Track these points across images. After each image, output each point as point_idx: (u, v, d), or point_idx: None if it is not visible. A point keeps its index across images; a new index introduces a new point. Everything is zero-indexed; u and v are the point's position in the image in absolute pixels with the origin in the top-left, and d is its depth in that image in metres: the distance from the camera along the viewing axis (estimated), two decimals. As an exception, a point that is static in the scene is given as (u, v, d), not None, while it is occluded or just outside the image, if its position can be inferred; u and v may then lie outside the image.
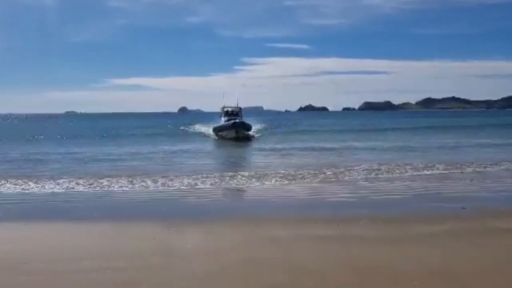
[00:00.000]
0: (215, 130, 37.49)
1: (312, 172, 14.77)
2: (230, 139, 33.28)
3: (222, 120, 37.56)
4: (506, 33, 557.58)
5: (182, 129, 51.77)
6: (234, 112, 38.56)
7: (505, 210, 9.24)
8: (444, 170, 15.22)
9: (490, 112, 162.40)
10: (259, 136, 36.96)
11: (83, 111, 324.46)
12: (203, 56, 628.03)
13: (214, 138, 35.82)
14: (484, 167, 15.64)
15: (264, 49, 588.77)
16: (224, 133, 34.67)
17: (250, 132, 35.79)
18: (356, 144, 28.13)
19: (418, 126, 54.15)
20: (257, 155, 22.90)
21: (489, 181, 12.89)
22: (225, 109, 39.23)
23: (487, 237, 7.03)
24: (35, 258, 6.11)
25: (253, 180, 13.35)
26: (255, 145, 29.71)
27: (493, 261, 5.87)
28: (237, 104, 40.12)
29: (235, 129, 33.32)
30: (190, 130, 48.59)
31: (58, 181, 13.12)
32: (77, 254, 6.29)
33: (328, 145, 27.10)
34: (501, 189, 11.85)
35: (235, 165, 18.21)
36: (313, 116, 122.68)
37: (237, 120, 34.71)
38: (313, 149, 25.01)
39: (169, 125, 62.77)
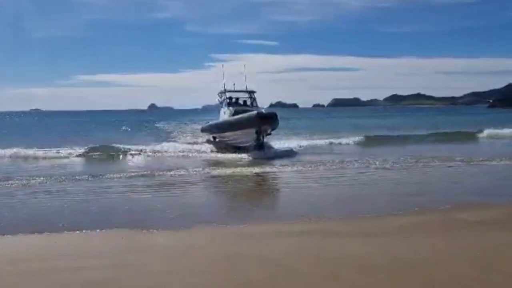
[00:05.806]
0: (212, 130, 21.82)
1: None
2: (237, 147, 18.15)
3: (224, 114, 21.20)
4: (468, 31, 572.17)
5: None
6: (242, 101, 22.12)
7: (473, 203, 8.96)
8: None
9: (471, 108, 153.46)
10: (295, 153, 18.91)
11: (48, 109, 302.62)
12: (172, 53, 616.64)
13: (200, 153, 19.00)
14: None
15: (233, 45, 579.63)
16: (231, 137, 18.89)
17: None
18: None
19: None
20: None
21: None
22: (228, 95, 22.14)
23: (455, 228, 7.01)
24: (2, 260, 5.81)
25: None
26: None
27: (460, 250, 5.86)
28: (246, 88, 22.33)
29: (260, 126, 16.74)
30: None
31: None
32: (46, 254, 6.05)
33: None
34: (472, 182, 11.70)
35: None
36: (298, 113, 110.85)
37: (263, 110, 18.29)
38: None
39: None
